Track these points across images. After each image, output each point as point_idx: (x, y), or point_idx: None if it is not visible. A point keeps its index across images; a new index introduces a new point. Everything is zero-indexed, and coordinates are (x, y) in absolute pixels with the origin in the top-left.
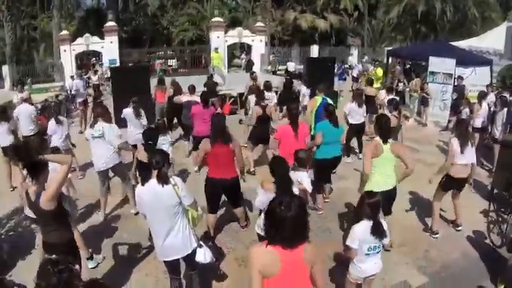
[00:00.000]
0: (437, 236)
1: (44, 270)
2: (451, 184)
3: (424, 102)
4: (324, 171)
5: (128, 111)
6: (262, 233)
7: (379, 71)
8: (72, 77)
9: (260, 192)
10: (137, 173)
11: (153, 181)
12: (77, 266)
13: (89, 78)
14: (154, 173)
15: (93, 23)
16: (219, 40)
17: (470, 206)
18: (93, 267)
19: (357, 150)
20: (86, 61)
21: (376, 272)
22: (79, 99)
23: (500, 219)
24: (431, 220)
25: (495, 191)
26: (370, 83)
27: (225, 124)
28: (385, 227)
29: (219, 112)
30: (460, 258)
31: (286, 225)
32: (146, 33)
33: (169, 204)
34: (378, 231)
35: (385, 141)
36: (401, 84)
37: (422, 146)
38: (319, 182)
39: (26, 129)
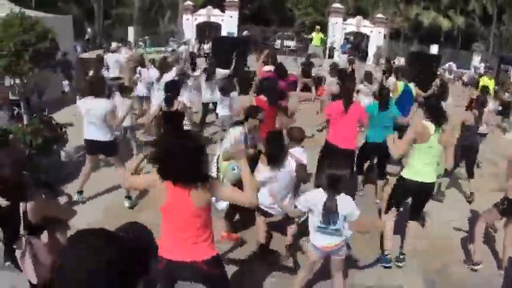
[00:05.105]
0: (479, 267)
1: None
2: (510, 210)
3: None
4: (362, 156)
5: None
6: None
7: (488, 82)
8: (184, 42)
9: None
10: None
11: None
12: None
13: (199, 48)
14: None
15: None
16: (337, 26)
17: None
18: (78, 200)
19: None
20: (209, 32)
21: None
22: None
23: None
24: (472, 247)
25: None
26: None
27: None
28: (344, 209)
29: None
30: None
31: (173, 160)
32: (271, 13)
33: None
34: (329, 208)
35: (437, 126)
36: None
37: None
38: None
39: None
